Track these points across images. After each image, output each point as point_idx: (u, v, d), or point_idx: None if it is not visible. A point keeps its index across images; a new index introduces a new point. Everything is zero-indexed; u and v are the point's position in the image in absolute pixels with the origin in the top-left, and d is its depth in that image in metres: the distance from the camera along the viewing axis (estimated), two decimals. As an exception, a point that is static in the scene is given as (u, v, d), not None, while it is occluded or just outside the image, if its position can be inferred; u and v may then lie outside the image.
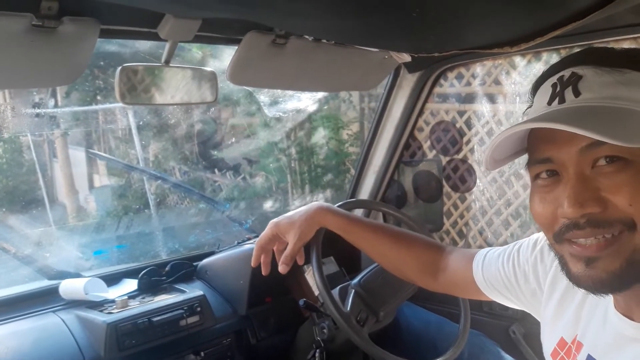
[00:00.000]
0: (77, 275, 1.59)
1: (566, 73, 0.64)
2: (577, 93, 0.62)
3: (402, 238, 1.14)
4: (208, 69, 1.24)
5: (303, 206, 1.18)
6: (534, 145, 0.67)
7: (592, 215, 0.60)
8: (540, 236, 0.90)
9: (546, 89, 0.67)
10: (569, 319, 0.79)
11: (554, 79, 0.66)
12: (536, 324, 0.98)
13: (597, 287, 0.61)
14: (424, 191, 2.15)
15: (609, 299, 0.71)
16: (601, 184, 0.60)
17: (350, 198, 2.13)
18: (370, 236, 1.14)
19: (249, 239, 1.83)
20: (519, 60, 3.22)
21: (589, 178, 0.60)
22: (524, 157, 0.72)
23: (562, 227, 0.63)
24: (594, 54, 0.65)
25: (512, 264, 0.92)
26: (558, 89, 0.64)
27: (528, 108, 0.72)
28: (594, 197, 0.59)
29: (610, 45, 1.56)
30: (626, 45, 1.38)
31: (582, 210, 0.59)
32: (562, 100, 0.63)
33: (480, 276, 0.99)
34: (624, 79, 0.61)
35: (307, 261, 1.55)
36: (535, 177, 0.67)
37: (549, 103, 0.65)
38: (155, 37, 1.07)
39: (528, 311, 0.94)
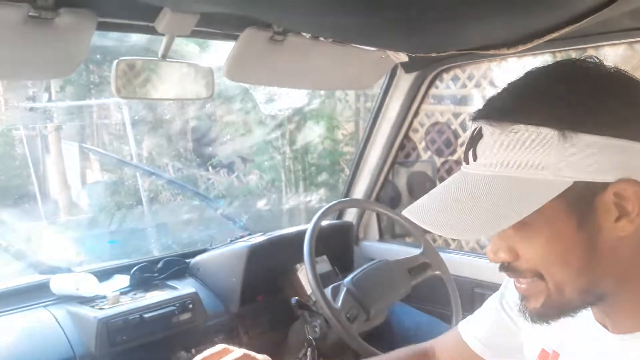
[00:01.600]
0: (69, 270, 1.58)
1: (477, 126, 0.64)
2: (475, 156, 0.64)
3: None
4: (205, 64, 1.24)
5: None
6: None
7: (507, 264, 0.66)
8: None
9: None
10: (548, 330, 0.79)
11: (472, 128, 0.66)
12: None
13: (531, 319, 0.68)
14: (418, 192, 2.16)
15: (589, 310, 0.71)
16: (513, 235, 0.64)
17: (345, 197, 2.13)
18: None
19: (242, 236, 1.83)
20: (514, 64, 3.23)
21: (507, 230, 0.63)
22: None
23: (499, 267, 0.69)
24: (493, 105, 0.64)
25: (504, 310, 0.90)
26: (468, 146, 0.66)
27: None
28: (506, 247, 0.65)
29: (605, 50, 1.57)
30: (622, 49, 1.39)
31: (496, 258, 0.66)
32: (467, 161, 0.65)
33: (477, 344, 0.93)
34: (512, 142, 0.59)
35: (300, 260, 1.55)
36: None
37: (463, 159, 0.67)
38: (152, 31, 1.07)
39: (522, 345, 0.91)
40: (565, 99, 0.60)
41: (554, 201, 0.59)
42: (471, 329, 0.95)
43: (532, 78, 0.64)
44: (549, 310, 0.65)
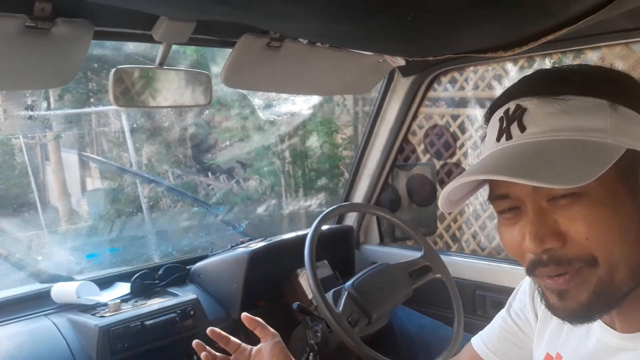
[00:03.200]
0: (70, 278, 1.58)
1: (511, 105, 0.64)
2: (522, 128, 0.62)
3: None
4: (202, 71, 1.24)
5: None
6: (492, 181, 0.66)
7: (553, 251, 0.61)
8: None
9: (494, 123, 0.66)
10: (552, 333, 0.80)
11: (500, 112, 0.65)
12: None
13: (571, 316, 0.63)
14: (417, 195, 2.16)
15: None
16: (559, 216, 0.60)
17: (344, 202, 2.13)
18: None
19: (242, 242, 1.83)
20: (511, 65, 3.24)
21: (546, 211, 0.61)
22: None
23: (529, 263, 0.64)
24: (534, 83, 0.65)
25: (511, 318, 0.90)
26: (505, 124, 0.64)
27: (483, 139, 0.71)
28: (552, 231, 0.60)
29: (602, 50, 1.57)
30: (618, 49, 1.39)
31: (542, 245, 0.60)
32: (509, 137, 0.63)
33: (488, 354, 0.93)
34: (567, 108, 0.61)
35: (301, 265, 1.55)
36: (499, 212, 0.67)
37: (498, 139, 0.65)
38: (149, 39, 1.07)
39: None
40: (610, 77, 0.64)
41: (610, 169, 0.58)
42: (482, 340, 0.96)
43: (573, 66, 0.67)
44: (598, 300, 0.61)
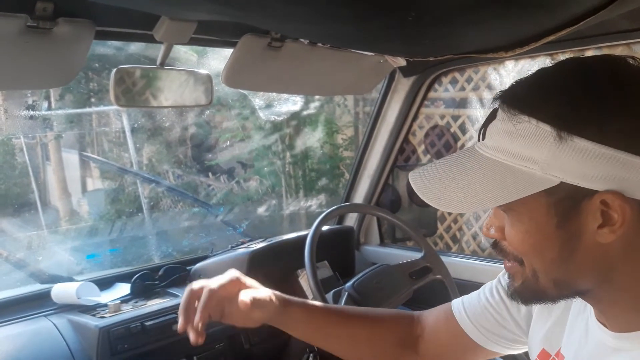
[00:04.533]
0: (70, 279, 1.58)
1: (495, 105, 0.66)
2: (484, 136, 0.67)
3: (368, 314, 1.03)
4: (203, 71, 1.24)
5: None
6: None
7: (496, 241, 0.70)
8: None
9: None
10: (550, 330, 0.79)
11: (491, 106, 0.68)
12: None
13: (511, 296, 0.70)
14: (418, 196, 2.15)
15: (589, 309, 0.72)
16: (504, 219, 0.67)
17: (345, 202, 2.13)
18: (331, 319, 0.98)
19: (242, 243, 1.83)
20: (512, 66, 3.24)
21: (500, 213, 0.68)
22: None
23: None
24: (511, 91, 0.65)
25: (500, 294, 0.88)
26: (483, 123, 0.68)
27: None
28: (497, 226, 0.68)
29: (603, 51, 1.57)
30: (619, 50, 1.39)
31: (487, 233, 0.70)
32: (479, 139, 0.69)
33: (468, 323, 0.91)
34: (515, 131, 0.61)
35: (301, 265, 1.55)
36: None
37: (477, 139, 0.70)
38: (150, 39, 1.07)
39: (523, 346, 0.89)
40: (575, 99, 0.59)
41: (538, 195, 0.61)
42: (463, 305, 0.94)
43: (555, 70, 0.64)
44: (526, 292, 0.68)
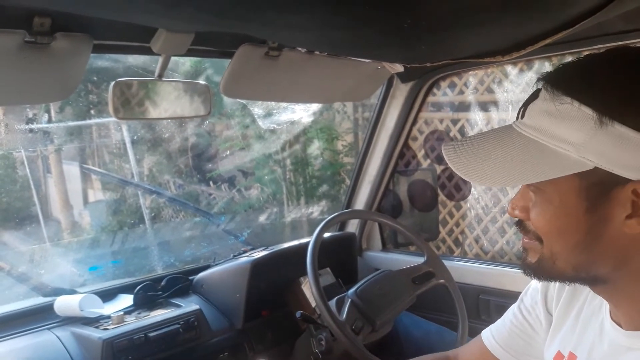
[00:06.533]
0: (72, 291, 1.57)
1: (539, 85, 0.66)
2: (523, 114, 0.67)
3: None
4: (201, 82, 1.24)
5: None
6: None
7: (520, 220, 0.71)
8: None
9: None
10: (565, 332, 0.80)
11: (535, 86, 0.68)
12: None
13: (525, 271, 0.72)
14: (419, 200, 2.16)
15: (605, 309, 0.72)
16: (530, 199, 0.68)
17: (346, 209, 2.13)
18: None
19: (244, 251, 1.82)
20: (510, 69, 3.25)
21: (527, 190, 0.69)
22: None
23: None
24: (557, 72, 0.65)
25: (522, 315, 0.91)
26: (524, 102, 0.68)
27: None
28: (522, 206, 0.69)
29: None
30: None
31: (512, 212, 0.71)
32: (517, 117, 0.69)
33: (500, 350, 0.93)
34: (556, 111, 0.61)
35: (304, 273, 1.55)
36: None
37: (516, 117, 0.70)
38: (148, 51, 1.07)
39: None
40: (620, 86, 0.59)
41: (571, 178, 0.61)
42: (492, 334, 0.96)
43: (603, 57, 0.64)
44: (540, 270, 0.69)
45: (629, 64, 0.61)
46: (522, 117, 0.67)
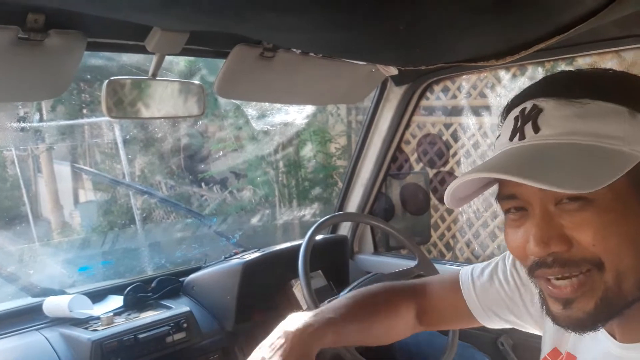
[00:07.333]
0: (62, 292, 1.56)
1: (528, 105, 0.63)
2: (536, 129, 0.61)
3: (378, 303, 0.97)
4: (195, 82, 1.24)
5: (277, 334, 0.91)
6: (501, 180, 0.66)
7: (558, 255, 0.60)
8: None
9: (509, 122, 0.65)
10: (563, 330, 0.79)
11: (517, 110, 0.65)
12: (524, 336, 0.96)
13: (576, 326, 0.62)
14: (411, 204, 2.16)
15: None
16: (565, 221, 0.59)
17: (338, 211, 2.13)
18: (359, 315, 0.94)
19: (236, 253, 1.82)
20: (504, 73, 3.27)
21: (553, 215, 0.60)
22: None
23: (532, 264, 0.63)
24: (554, 84, 0.64)
25: (515, 283, 0.87)
26: (519, 123, 0.63)
27: (497, 137, 0.70)
28: (558, 235, 0.59)
29: (594, 59, 1.58)
30: (609, 57, 1.40)
31: (547, 249, 0.59)
32: (522, 137, 0.62)
33: (474, 301, 0.90)
34: (583, 112, 0.59)
35: (295, 275, 1.54)
36: (505, 211, 0.67)
37: (511, 138, 0.64)
38: (142, 50, 1.07)
39: (532, 329, 0.88)
40: (633, 83, 0.62)
41: (623, 177, 0.56)
42: (471, 280, 0.92)
43: (598, 69, 0.66)
44: (604, 309, 0.60)
45: (622, 75, 0.64)
46: (535, 131, 0.61)
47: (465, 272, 0.94)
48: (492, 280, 0.89)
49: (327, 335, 0.88)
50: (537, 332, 0.87)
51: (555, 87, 0.63)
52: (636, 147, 0.58)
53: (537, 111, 0.62)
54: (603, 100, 0.59)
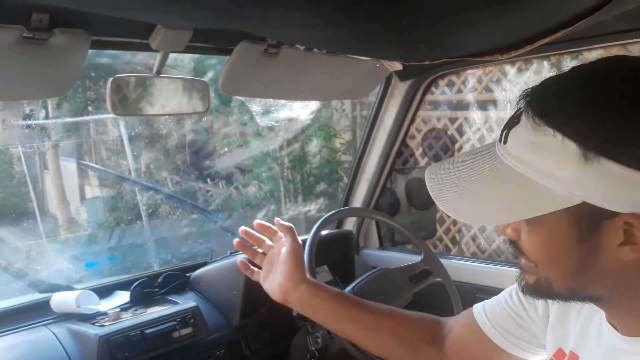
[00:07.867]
0: (69, 288, 1.57)
1: (520, 108, 0.62)
2: (505, 140, 0.64)
3: (394, 309, 1.05)
4: (200, 79, 1.24)
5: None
6: None
7: (512, 241, 0.69)
8: None
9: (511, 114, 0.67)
10: (566, 329, 0.79)
11: (516, 107, 0.64)
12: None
13: (522, 290, 0.72)
14: (416, 199, 2.16)
15: (602, 311, 0.72)
16: (522, 222, 0.66)
17: (343, 206, 2.13)
18: (357, 304, 1.03)
19: (242, 248, 1.82)
20: (509, 67, 3.25)
21: None
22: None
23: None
24: (542, 94, 0.61)
25: (518, 298, 0.89)
26: (505, 125, 0.65)
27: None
28: (515, 227, 0.67)
29: (599, 52, 1.57)
30: (615, 51, 1.39)
31: (504, 232, 0.69)
32: (500, 140, 0.65)
33: (488, 325, 0.91)
34: (539, 142, 0.58)
35: (301, 270, 1.54)
36: None
37: (500, 139, 0.66)
38: (146, 47, 1.07)
39: (541, 338, 0.88)
40: (605, 117, 0.55)
41: (559, 212, 0.59)
42: (484, 309, 0.94)
43: (585, 78, 0.60)
44: (538, 291, 0.69)
45: (611, 88, 0.57)
46: (504, 142, 0.64)
47: (477, 305, 0.97)
48: (499, 299, 0.93)
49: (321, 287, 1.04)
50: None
51: (536, 101, 0.61)
52: (576, 192, 0.57)
53: (517, 121, 0.62)
54: (564, 136, 0.56)
